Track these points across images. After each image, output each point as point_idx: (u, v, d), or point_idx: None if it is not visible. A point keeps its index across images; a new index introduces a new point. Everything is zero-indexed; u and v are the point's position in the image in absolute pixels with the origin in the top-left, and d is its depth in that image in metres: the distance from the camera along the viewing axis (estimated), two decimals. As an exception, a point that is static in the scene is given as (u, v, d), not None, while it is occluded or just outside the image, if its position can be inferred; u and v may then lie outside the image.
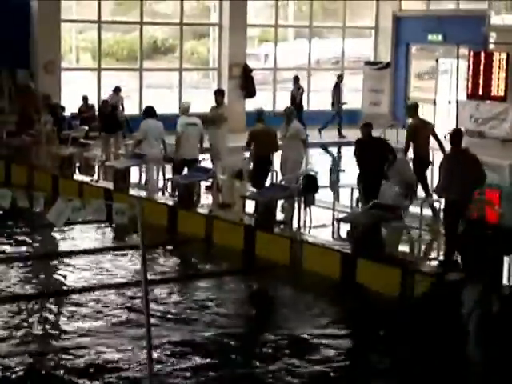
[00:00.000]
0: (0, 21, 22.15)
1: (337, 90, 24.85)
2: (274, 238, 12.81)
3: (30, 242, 13.62)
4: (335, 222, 12.80)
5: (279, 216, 13.58)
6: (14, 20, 22.56)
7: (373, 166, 12.69)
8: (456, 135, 11.32)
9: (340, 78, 25.18)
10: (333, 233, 12.78)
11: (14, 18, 22.57)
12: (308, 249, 12.35)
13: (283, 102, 23.31)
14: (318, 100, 26.84)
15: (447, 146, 12.01)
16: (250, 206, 13.98)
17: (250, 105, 24.42)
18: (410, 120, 15.00)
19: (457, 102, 24.05)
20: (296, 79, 24.47)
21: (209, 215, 13.94)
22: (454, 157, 11.12)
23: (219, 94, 16.94)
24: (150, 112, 16.16)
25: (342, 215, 13.02)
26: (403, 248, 12.04)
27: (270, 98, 26.48)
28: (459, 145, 11.21)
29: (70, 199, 6.99)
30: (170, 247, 13.35)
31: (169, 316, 10.23)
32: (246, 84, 25.00)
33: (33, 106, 19.30)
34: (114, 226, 13.92)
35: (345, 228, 12.61)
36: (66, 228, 13.70)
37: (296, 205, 13.39)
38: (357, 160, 13.17)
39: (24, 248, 13.23)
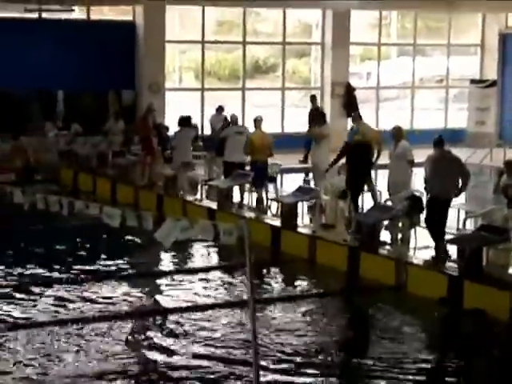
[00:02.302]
0: (106, 43, 22.70)
1: None
2: (378, 259, 12.63)
3: (136, 260, 13.82)
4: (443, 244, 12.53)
5: (384, 237, 13.38)
6: (119, 42, 23.06)
7: (361, 167, 14.12)
8: (440, 139, 12.68)
9: None
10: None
11: (119, 40, 23.07)
12: (413, 270, 12.13)
13: (386, 121, 23.14)
14: (423, 119, 26.53)
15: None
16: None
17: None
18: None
19: None
20: (313, 98, 23.47)
21: (312, 235, 13.85)
22: (438, 158, 12.53)
23: (319, 116, 17.04)
24: (183, 121, 17.81)
25: (448, 236, 12.75)
26: (512, 271, 11.75)
27: (373, 117, 26.27)
28: (442, 147, 12.57)
29: (178, 219, 7.01)
30: (273, 267, 13.30)
31: (271, 335, 10.14)
32: (349, 103, 24.84)
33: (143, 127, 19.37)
34: (218, 245, 13.95)
35: (452, 249, 12.32)
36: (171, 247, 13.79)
37: (401, 226, 13.19)
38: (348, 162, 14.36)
39: (129, 266, 13.42)
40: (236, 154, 16.48)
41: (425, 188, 12.87)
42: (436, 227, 12.41)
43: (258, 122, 16.39)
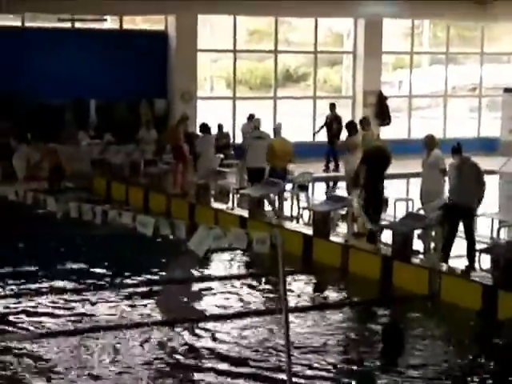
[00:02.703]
0: (139, 52, 22.83)
1: None
2: (411, 268, 12.54)
3: (167, 268, 13.82)
4: (476, 253, 12.43)
5: (417, 246, 13.30)
6: (152, 51, 23.18)
7: (377, 174, 14.19)
8: (458, 147, 12.85)
9: None
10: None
11: (152, 49, 23.18)
12: (447, 279, 12.03)
13: (419, 130, 23.03)
14: (456, 127, 26.38)
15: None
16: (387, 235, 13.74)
17: (386, 133, 24.15)
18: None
19: None
20: (332, 106, 23.52)
21: (344, 244, 13.79)
22: (460, 164, 12.71)
23: (351, 125, 17.04)
24: (205, 128, 18.13)
25: (482, 246, 12.65)
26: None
27: (405, 126, 26.17)
28: (461, 154, 12.79)
29: (211, 227, 6.99)
30: (305, 276, 13.26)
31: (300, 345, 10.06)
32: (381, 111, 24.74)
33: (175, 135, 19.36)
34: (249, 253, 13.92)
35: (486, 259, 12.21)
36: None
37: (434, 235, 13.11)
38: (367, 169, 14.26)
39: (160, 274, 13.44)
40: (256, 160, 16.69)
41: (449, 195, 12.90)
42: (452, 237, 12.59)
43: (277, 129, 16.86)
